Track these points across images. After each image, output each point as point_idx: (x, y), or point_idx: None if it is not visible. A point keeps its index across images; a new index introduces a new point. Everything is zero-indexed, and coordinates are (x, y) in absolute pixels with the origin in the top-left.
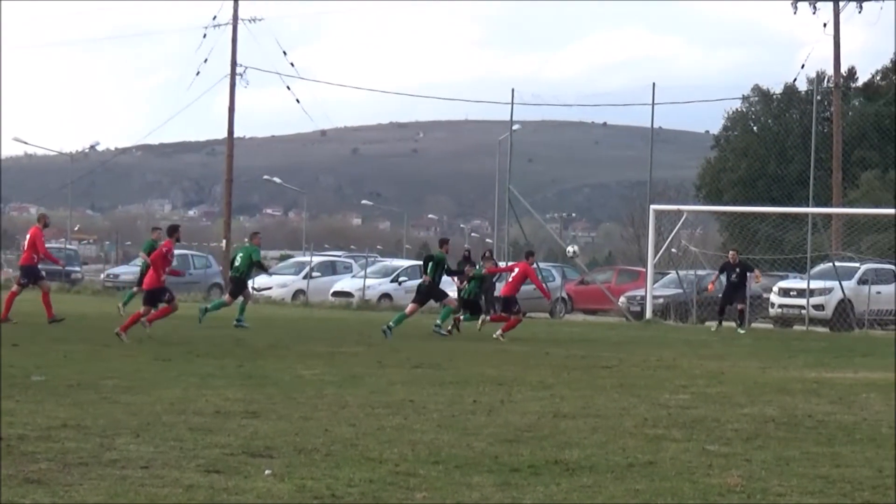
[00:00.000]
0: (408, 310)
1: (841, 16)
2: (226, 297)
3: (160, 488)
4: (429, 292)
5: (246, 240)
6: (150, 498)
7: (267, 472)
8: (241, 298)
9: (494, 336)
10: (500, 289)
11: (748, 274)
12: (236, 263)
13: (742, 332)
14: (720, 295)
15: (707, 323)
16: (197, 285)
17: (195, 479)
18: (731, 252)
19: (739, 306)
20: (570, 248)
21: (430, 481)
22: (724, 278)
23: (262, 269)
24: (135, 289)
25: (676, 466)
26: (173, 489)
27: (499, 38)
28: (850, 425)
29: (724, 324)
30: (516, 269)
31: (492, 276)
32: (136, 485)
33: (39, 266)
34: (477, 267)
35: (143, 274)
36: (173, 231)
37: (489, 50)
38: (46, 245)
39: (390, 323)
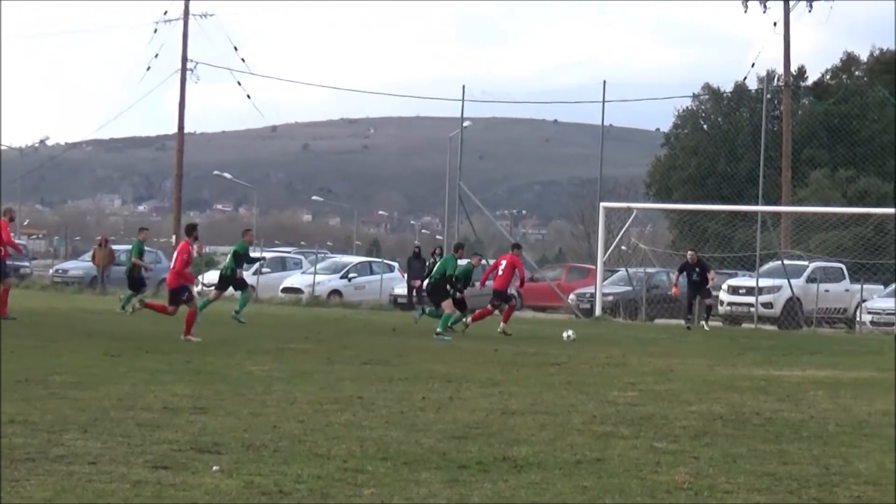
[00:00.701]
0: (447, 309)
1: (791, 15)
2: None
3: (107, 484)
4: (436, 290)
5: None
6: (97, 494)
7: (215, 468)
8: (236, 293)
9: (499, 331)
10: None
11: (706, 274)
12: (225, 262)
13: (707, 328)
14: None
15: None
16: (148, 280)
17: (143, 474)
18: (689, 252)
19: (707, 301)
20: (566, 335)
21: (378, 478)
22: (683, 279)
23: (252, 260)
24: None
25: (624, 463)
26: (120, 485)
27: (450, 36)
28: (798, 423)
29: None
30: (504, 262)
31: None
32: (83, 480)
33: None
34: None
35: (129, 275)
36: (191, 230)
37: (440, 47)
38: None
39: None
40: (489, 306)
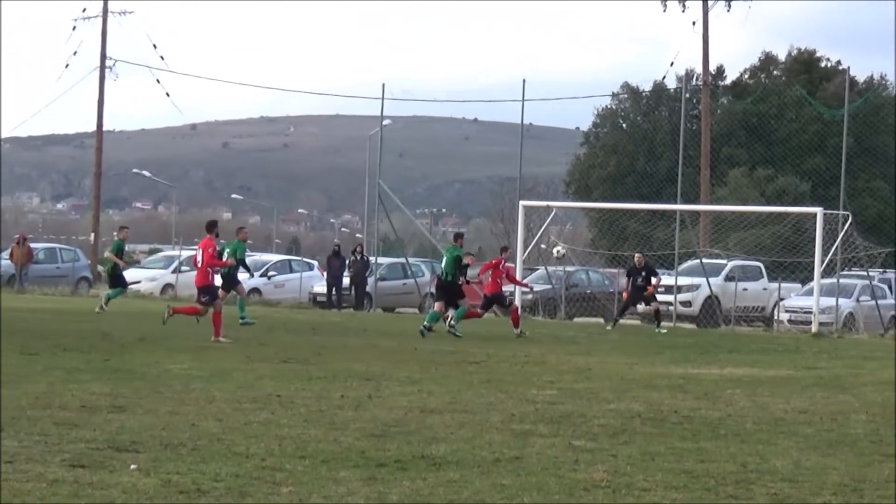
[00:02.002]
0: (436, 308)
1: (709, 14)
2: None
3: (24, 483)
4: (448, 289)
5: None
6: (13, 493)
7: (132, 466)
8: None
9: (517, 334)
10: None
11: (652, 279)
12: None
13: (663, 331)
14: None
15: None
16: (65, 279)
17: (60, 473)
18: (637, 256)
19: (653, 305)
20: (556, 250)
21: (296, 476)
22: (625, 281)
23: (244, 266)
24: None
25: (542, 461)
26: (37, 484)
27: (371, 34)
28: (715, 421)
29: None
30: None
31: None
32: None
33: None
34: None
35: (110, 274)
36: (212, 227)
37: (361, 45)
38: None
39: (426, 323)
40: (478, 310)
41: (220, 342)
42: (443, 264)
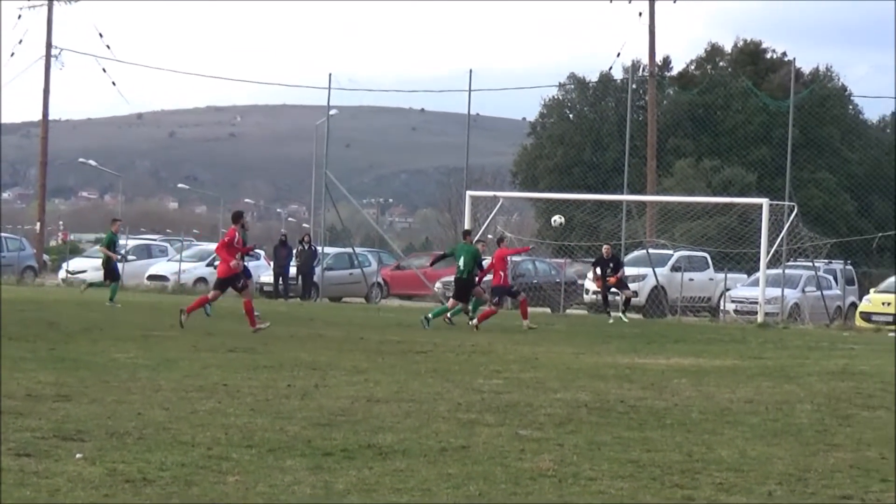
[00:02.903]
0: (449, 304)
1: (656, 5)
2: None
3: None
4: (467, 286)
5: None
6: None
7: (78, 455)
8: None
9: (525, 328)
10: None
11: (620, 269)
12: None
13: (626, 319)
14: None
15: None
16: (10, 268)
17: (5, 462)
18: (605, 247)
19: (626, 293)
20: (556, 219)
21: (242, 465)
22: (592, 272)
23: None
24: (107, 281)
25: (489, 451)
26: None
27: (317, 24)
28: (662, 410)
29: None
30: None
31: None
32: None
33: None
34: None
35: (105, 267)
36: (238, 217)
37: (308, 35)
38: None
39: (429, 315)
40: (492, 306)
41: (259, 330)
42: (461, 263)
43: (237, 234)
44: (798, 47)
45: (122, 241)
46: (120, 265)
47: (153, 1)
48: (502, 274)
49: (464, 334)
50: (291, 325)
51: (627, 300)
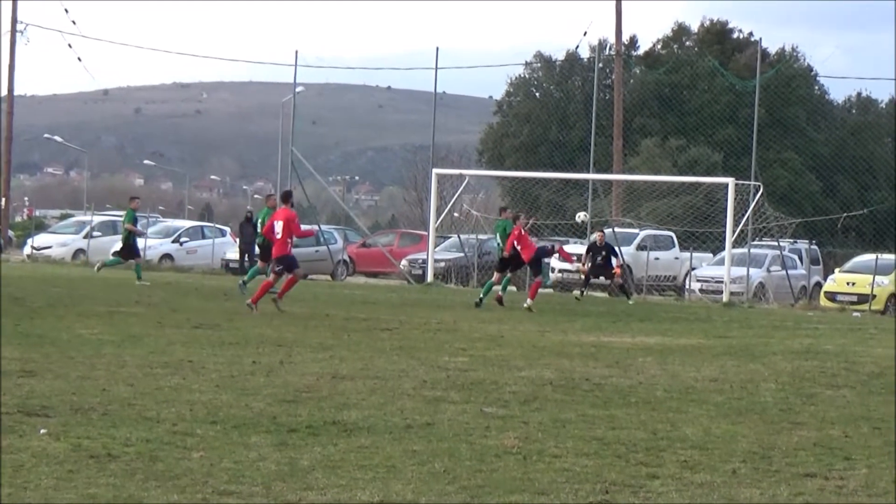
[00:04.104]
0: (495, 278)
1: None
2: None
3: None
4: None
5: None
6: None
7: (42, 431)
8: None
9: (527, 307)
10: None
11: (613, 259)
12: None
13: (631, 302)
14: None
15: (574, 292)
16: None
17: None
18: (598, 234)
19: (617, 281)
20: (580, 216)
21: (207, 441)
22: (584, 257)
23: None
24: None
25: (454, 428)
26: None
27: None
28: (626, 388)
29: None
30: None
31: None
32: None
33: None
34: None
35: (125, 244)
36: (288, 197)
37: (274, 12)
38: None
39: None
40: (537, 279)
41: (251, 307)
42: (499, 239)
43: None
44: (764, 27)
45: (87, 218)
46: (140, 242)
47: None
48: (531, 244)
49: (430, 312)
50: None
51: (621, 286)
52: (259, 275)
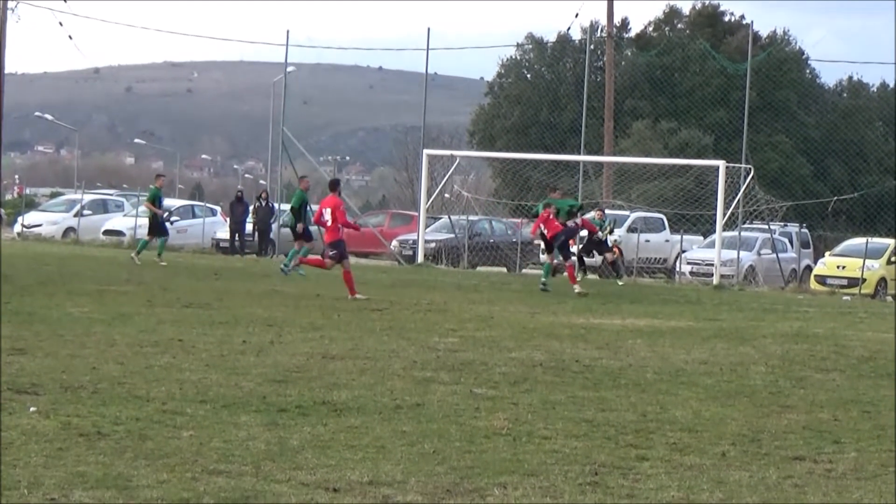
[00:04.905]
0: (551, 261)
1: None
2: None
3: None
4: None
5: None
6: None
7: (32, 408)
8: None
9: (578, 292)
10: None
11: (610, 238)
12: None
13: (621, 283)
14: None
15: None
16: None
17: None
18: (597, 212)
19: (609, 256)
20: (611, 237)
21: (197, 420)
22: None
23: (295, 217)
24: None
25: (444, 409)
26: None
27: None
28: (616, 370)
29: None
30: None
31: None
32: None
33: None
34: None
35: (151, 223)
36: (336, 185)
37: None
38: None
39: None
40: (568, 263)
41: (357, 299)
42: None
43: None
44: (756, 10)
45: (77, 196)
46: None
47: None
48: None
49: (420, 292)
50: (247, 281)
51: (613, 263)
52: (298, 255)
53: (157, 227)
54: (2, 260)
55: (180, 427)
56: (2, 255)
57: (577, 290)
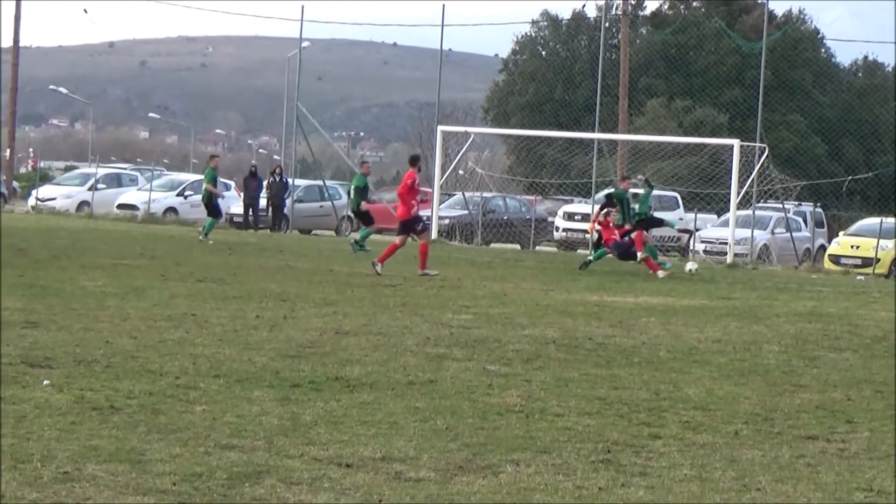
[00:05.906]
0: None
1: None
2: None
3: None
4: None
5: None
6: None
7: (45, 382)
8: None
9: (662, 276)
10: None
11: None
12: (352, 198)
13: (638, 261)
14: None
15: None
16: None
17: None
18: (623, 184)
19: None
20: (689, 267)
21: (210, 395)
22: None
23: (359, 195)
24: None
25: (456, 385)
26: None
27: None
28: (630, 348)
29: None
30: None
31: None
32: None
33: None
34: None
35: (206, 203)
36: (415, 161)
37: None
38: None
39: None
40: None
41: (427, 275)
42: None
43: (416, 177)
44: None
45: (91, 170)
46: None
47: None
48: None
49: (435, 268)
50: (261, 257)
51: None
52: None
53: (213, 207)
54: (11, 233)
55: (193, 402)
56: (15, 229)
57: (660, 275)
